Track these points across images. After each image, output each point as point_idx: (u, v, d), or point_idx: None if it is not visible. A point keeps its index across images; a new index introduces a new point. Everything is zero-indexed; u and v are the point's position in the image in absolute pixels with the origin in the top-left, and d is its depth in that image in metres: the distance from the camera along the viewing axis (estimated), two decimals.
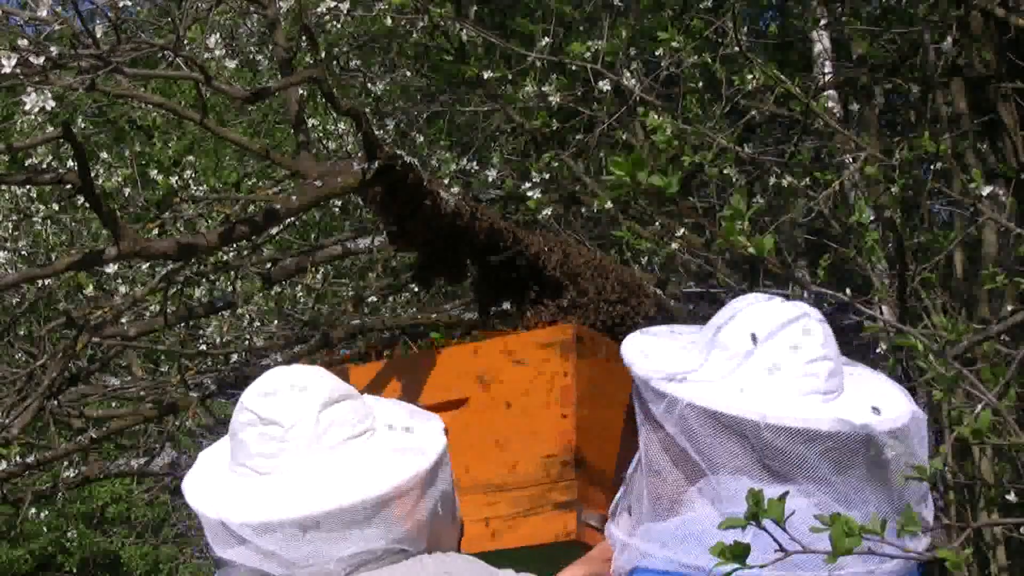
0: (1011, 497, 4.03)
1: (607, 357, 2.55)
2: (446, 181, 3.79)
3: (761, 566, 1.76)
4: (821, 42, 5.83)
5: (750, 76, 4.30)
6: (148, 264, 4.90)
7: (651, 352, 2.23)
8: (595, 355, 2.56)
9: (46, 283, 4.52)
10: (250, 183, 5.38)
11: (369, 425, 2.19)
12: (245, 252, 4.84)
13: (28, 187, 4.91)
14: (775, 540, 1.76)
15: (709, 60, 4.52)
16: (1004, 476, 4.36)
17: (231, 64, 4.08)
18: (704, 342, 2.21)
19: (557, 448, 2.49)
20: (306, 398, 2.15)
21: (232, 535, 2.09)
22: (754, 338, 2.14)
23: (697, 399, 2.11)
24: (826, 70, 5.56)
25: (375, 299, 5.36)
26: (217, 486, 2.17)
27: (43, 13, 2.44)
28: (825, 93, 5.07)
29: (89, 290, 4.40)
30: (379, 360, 2.83)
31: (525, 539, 2.49)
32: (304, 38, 2.94)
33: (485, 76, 4.99)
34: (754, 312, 2.18)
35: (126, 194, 5.34)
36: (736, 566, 1.70)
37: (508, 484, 2.52)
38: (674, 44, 4.39)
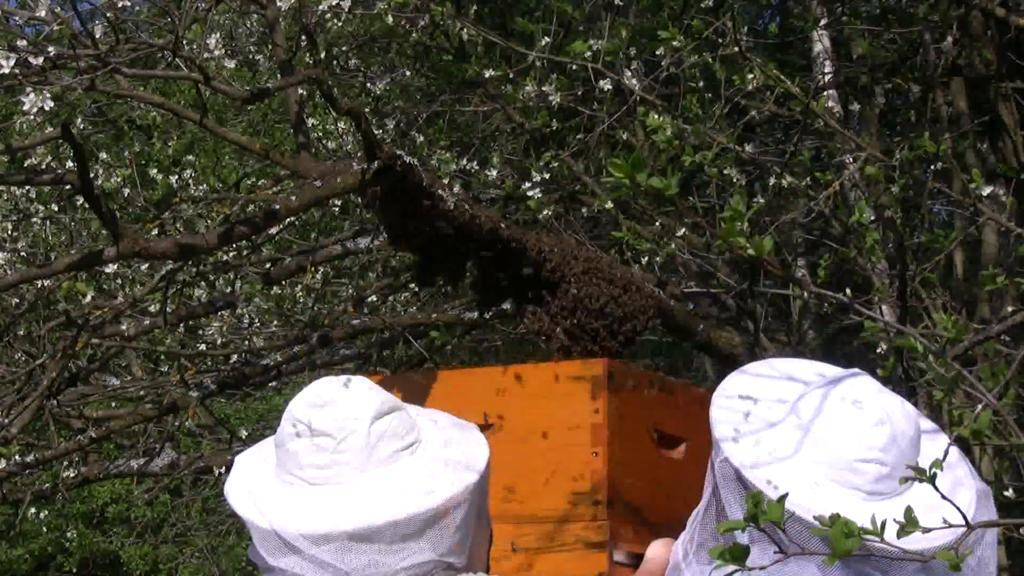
0: (1010, 495, 4.03)
1: (635, 387, 2.55)
2: (446, 181, 3.78)
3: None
4: (821, 42, 5.83)
5: (750, 76, 4.30)
6: (148, 264, 4.90)
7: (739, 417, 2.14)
8: (624, 387, 2.55)
9: (45, 283, 4.52)
10: (250, 183, 5.37)
11: (416, 437, 2.20)
12: (245, 252, 4.85)
13: (28, 187, 4.91)
14: (775, 542, 1.76)
15: (709, 60, 4.52)
16: (1004, 475, 4.36)
17: (230, 64, 4.08)
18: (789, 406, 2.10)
19: (587, 486, 2.48)
20: (356, 410, 2.16)
21: (285, 544, 2.11)
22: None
23: (734, 458, 2.04)
24: (826, 70, 5.56)
25: (375, 299, 5.36)
26: (266, 494, 2.18)
27: (42, 13, 2.44)
28: (825, 93, 5.06)
29: (87, 300, 4.40)
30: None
31: (555, 575, 2.48)
32: (304, 38, 2.94)
33: (485, 76, 4.99)
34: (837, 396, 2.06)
35: (126, 194, 5.35)
36: (736, 567, 1.70)
37: (534, 516, 2.52)
38: (674, 44, 4.39)
